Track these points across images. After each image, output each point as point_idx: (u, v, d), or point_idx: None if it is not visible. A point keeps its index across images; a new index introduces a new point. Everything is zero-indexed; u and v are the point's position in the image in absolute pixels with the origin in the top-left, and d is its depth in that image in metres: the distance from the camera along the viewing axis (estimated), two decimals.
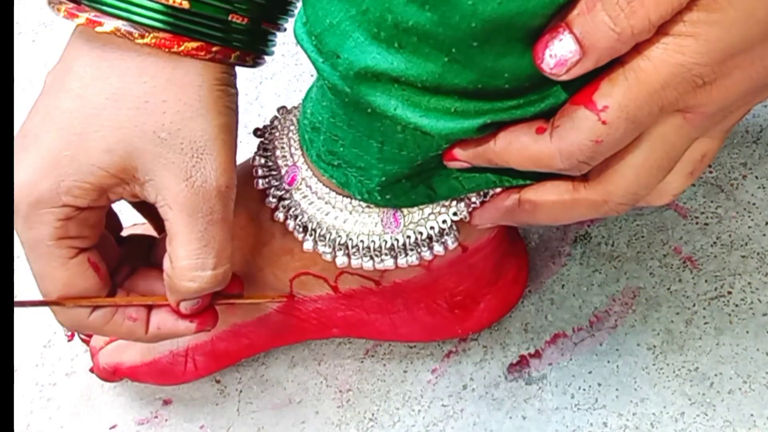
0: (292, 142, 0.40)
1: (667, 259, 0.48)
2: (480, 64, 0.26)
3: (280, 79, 0.61)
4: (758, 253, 0.47)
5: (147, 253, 0.42)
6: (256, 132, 0.42)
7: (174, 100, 0.32)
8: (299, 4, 0.38)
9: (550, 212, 0.33)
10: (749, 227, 0.48)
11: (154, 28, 0.31)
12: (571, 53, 0.25)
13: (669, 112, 0.27)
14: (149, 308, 0.38)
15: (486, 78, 0.27)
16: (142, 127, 0.32)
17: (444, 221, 0.39)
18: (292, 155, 0.40)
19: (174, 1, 0.31)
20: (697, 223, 0.48)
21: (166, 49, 0.31)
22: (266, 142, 0.42)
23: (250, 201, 0.42)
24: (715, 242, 0.48)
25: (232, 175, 0.34)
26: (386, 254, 0.39)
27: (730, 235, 0.48)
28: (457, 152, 0.32)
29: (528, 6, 0.24)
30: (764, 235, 0.47)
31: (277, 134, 0.41)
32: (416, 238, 0.39)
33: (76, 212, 0.34)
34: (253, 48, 0.35)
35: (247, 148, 0.58)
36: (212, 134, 0.33)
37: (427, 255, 0.39)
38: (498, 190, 0.37)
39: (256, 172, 0.40)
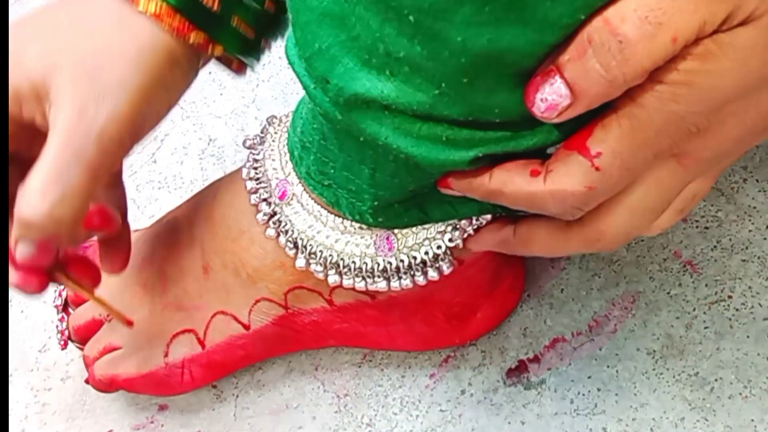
0: (282, 155, 0.40)
1: (667, 263, 0.47)
2: (470, 100, 0.26)
3: (278, 82, 0.61)
4: (759, 257, 0.46)
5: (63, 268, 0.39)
6: (245, 143, 0.42)
7: (116, 43, 0.34)
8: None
9: (544, 246, 0.33)
10: (750, 231, 0.47)
11: None
12: (562, 98, 0.25)
13: (664, 157, 0.27)
14: None
15: (477, 112, 0.27)
16: (77, 51, 0.33)
17: (439, 246, 0.38)
18: (283, 168, 0.39)
19: None
20: (697, 227, 0.48)
21: (133, 4, 0.33)
22: (256, 153, 0.41)
23: (241, 214, 0.42)
24: (715, 246, 0.47)
25: (123, 134, 0.34)
26: (379, 276, 0.39)
27: (730, 239, 0.47)
28: (452, 182, 0.32)
29: (517, 44, 0.24)
30: (765, 239, 0.47)
31: (267, 145, 0.41)
32: (410, 262, 0.38)
33: None
34: (220, 39, 0.35)
35: (245, 151, 0.58)
36: (126, 86, 0.33)
37: (420, 280, 0.39)
38: (488, 216, 0.37)
39: (246, 186, 0.40)
